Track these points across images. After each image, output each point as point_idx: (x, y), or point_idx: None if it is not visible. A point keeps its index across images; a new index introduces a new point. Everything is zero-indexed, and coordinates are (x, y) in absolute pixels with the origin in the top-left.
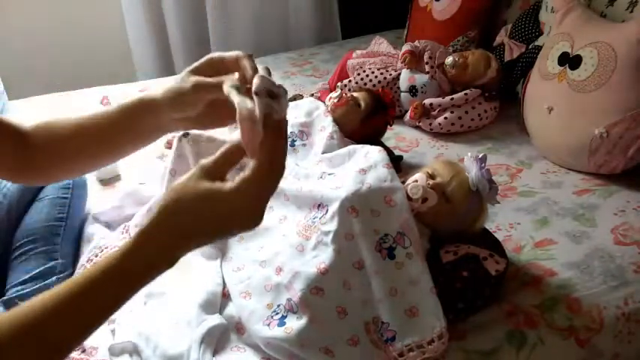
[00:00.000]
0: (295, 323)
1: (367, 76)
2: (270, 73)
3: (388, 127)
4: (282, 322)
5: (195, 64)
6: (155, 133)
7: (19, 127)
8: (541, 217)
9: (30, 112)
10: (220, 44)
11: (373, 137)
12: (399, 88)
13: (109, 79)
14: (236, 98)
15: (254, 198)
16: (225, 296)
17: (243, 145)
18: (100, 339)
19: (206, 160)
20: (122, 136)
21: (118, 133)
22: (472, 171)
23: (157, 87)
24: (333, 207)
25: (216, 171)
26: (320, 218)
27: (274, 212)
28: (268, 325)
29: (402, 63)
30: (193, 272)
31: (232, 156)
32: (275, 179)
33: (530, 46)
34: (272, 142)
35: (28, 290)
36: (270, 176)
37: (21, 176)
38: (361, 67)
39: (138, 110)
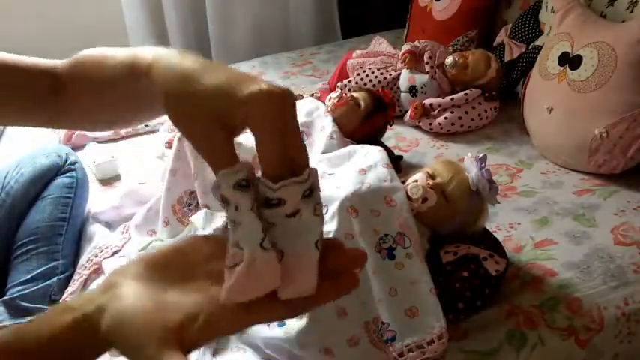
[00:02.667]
0: (295, 323)
1: (367, 76)
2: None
3: (388, 127)
4: (282, 322)
5: None
6: None
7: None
8: (541, 217)
9: None
10: (220, 44)
11: (373, 137)
12: (399, 88)
13: None
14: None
15: None
16: None
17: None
18: None
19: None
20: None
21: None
22: (472, 171)
23: None
24: (333, 207)
25: None
26: None
27: None
28: (268, 325)
29: (402, 63)
30: None
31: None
32: None
33: (530, 46)
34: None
35: (29, 290)
36: None
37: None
38: (361, 67)
39: None
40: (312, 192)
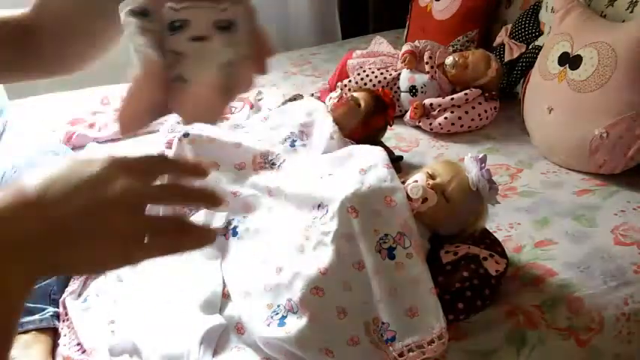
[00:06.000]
0: (295, 323)
1: (367, 76)
2: None
3: (388, 127)
4: (282, 322)
5: None
6: None
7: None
8: (541, 217)
9: (30, 112)
10: None
11: (373, 137)
12: (399, 88)
13: (108, 79)
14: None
15: None
16: (225, 296)
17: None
18: (100, 339)
19: None
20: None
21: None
22: (472, 171)
23: None
24: (333, 207)
25: None
26: (320, 218)
27: (274, 212)
28: (268, 325)
29: (402, 63)
30: (193, 272)
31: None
32: None
33: (530, 46)
34: None
35: None
36: None
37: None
38: (361, 67)
39: None
40: (230, 26)
